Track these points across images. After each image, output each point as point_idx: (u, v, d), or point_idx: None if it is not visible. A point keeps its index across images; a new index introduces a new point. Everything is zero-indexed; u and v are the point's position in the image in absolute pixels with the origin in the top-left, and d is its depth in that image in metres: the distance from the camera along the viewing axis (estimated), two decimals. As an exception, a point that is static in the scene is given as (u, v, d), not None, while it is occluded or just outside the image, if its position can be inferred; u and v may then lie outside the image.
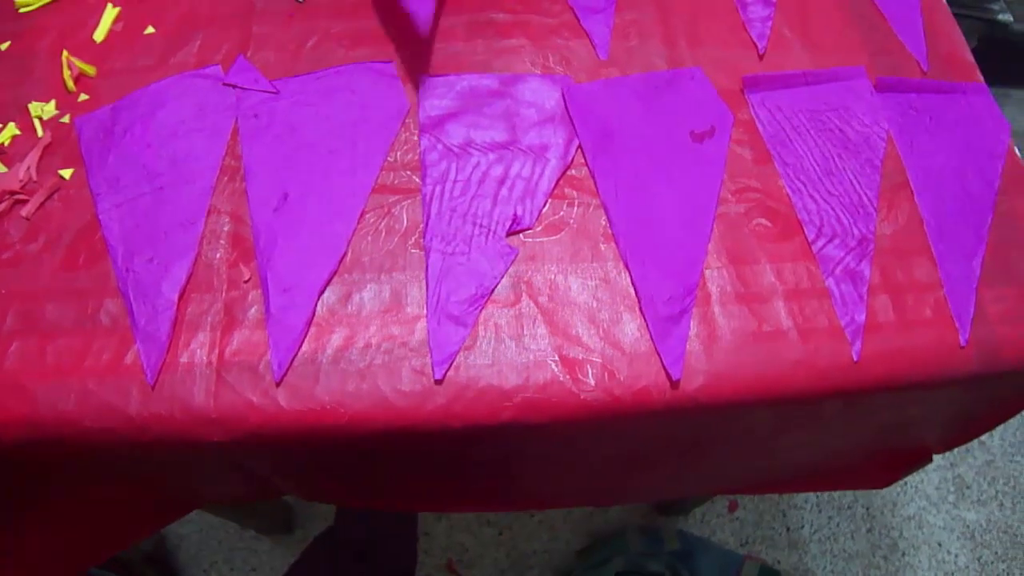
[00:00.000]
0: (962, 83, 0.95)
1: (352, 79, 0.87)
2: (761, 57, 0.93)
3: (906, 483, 1.84)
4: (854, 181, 0.85)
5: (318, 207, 0.79)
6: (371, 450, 0.77)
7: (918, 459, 1.04)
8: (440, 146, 0.83)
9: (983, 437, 1.56)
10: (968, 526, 1.87)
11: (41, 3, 0.94)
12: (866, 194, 0.84)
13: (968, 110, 0.93)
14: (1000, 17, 1.86)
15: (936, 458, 1.05)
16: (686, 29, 0.94)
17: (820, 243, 0.81)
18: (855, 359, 0.75)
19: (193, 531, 1.78)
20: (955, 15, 1.03)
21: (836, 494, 1.86)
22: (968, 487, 1.89)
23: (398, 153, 0.83)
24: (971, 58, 0.98)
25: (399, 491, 0.95)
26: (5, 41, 0.91)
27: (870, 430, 0.92)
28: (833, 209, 0.83)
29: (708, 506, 1.84)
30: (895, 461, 1.06)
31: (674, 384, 0.72)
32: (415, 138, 0.84)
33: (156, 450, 0.73)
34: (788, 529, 1.83)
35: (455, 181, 0.81)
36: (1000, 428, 1.87)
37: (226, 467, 0.83)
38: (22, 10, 0.94)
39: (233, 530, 1.76)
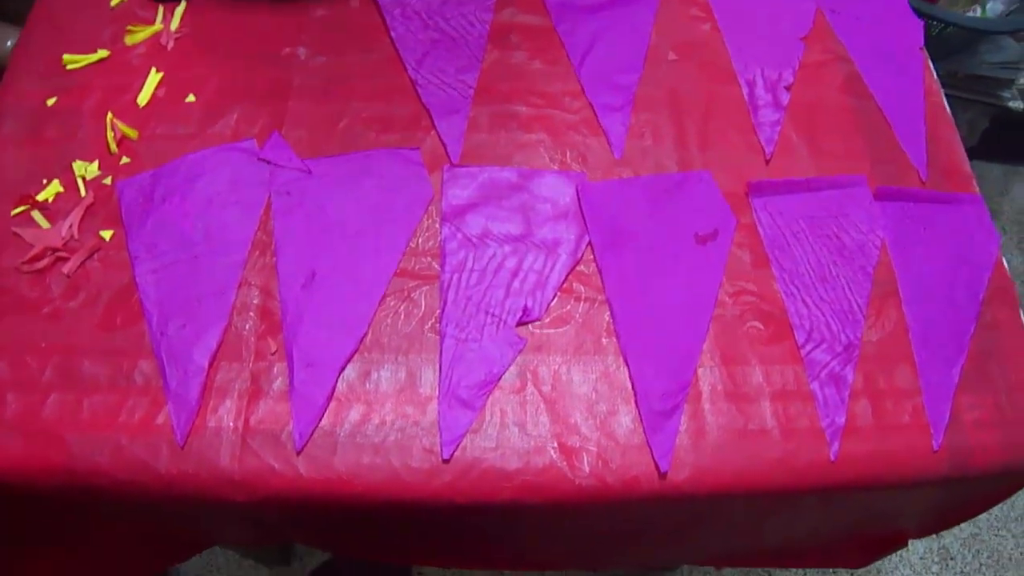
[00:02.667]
0: (958, 193, 1.06)
1: (380, 164, 0.98)
2: (768, 161, 1.04)
3: (891, 553, 1.94)
4: (846, 288, 0.96)
5: (343, 287, 0.90)
6: (380, 516, 0.88)
7: (894, 543, 1.14)
8: (460, 235, 0.94)
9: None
10: (952, 597, 1.97)
11: (87, 62, 1.05)
12: (857, 301, 0.95)
13: (961, 220, 1.04)
14: (1011, 104, 1.96)
15: (922, 528, 1.16)
16: (698, 130, 1.05)
17: (808, 347, 0.92)
18: (832, 459, 0.86)
19: (194, 557, 1.84)
20: (968, 100, 1.13)
21: (823, 560, 1.95)
22: (952, 559, 1.97)
23: (420, 239, 0.94)
24: (968, 169, 1.09)
25: (402, 549, 1.06)
26: (52, 96, 1.02)
27: (846, 519, 1.02)
28: (824, 315, 0.94)
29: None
30: (871, 544, 1.15)
31: (662, 475, 0.83)
32: (436, 225, 0.95)
33: (182, 504, 0.84)
34: (774, 588, 1.92)
35: (472, 270, 0.92)
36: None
37: (244, 520, 0.93)
38: (69, 67, 1.04)
39: (233, 558, 1.83)
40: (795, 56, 1.14)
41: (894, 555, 1.94)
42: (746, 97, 1.09)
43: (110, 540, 1.01)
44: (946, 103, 1.15)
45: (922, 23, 1.22)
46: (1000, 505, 1.92)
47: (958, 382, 0.93)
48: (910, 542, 1.15)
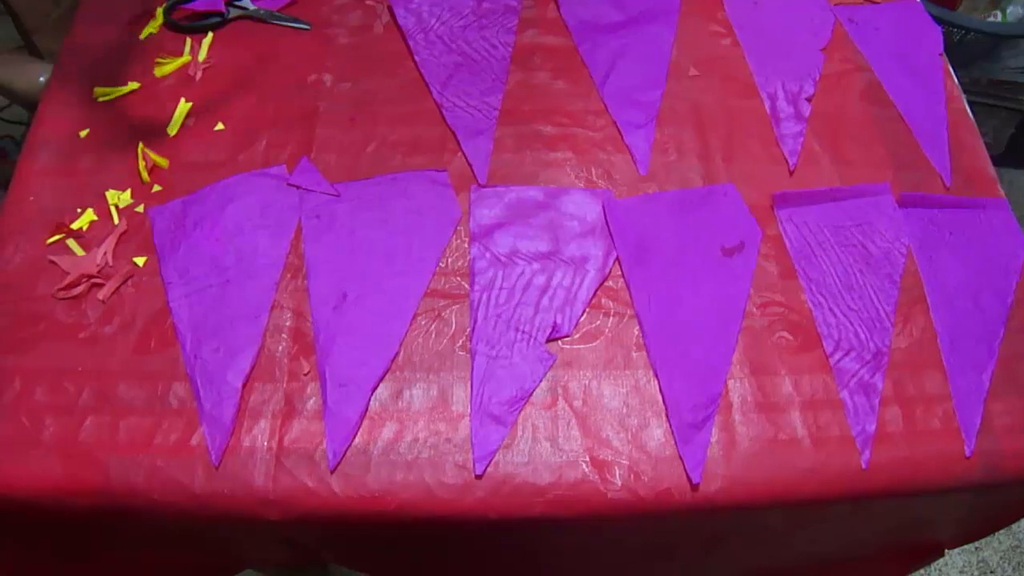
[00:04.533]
0: (982, 198, 1.05)
1: (408, 186, 0.99)
2: (791, 172, 1.04)
3: (931, 566, 1.91)
4: (873, 296, 0.95)
5: (374, 308, 0.91)
6: (413, 533, 0.88)
7: (929, 553, 1.14)
8: (488, 254, 0.95)
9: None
10: (992, 611, 1.94)
11: (118, 94, 1.07)
12: (884, 309, 0.95)
13: (987, 225, 1.03)
14: (1035, 108, 1.96)
15: (961, 541, 1.16)
16: (722, 144, 1.06)
17: (837, 356, 0.92)
18: (863, 467, 0.85)
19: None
20: (992, 106, 1.12)
21: (858, 572, 1.93)
22: (992, 572, 1.94)
23: (449, 259, 0.95)
24: (993, 173, 1.09)
25: (436, 567, 1.06)
26: (85, 128, 1.03)
27: (880, 528, 1.01)
28: (851, 323, 0.94)
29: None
30: (906, 555, 1.15)
31: (694, 487, 0.83)
32: (465, 245, 0.96)
33: (217, 524, 0.85)
34: (806, 604, 1.90)
35: (501, 288, 0.93)
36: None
37: (277, 540, 0.93)
38: (101, 99, 1.06)
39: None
40: (815, 67, 1.14)
41: (933, 569, 1.93)
42: (768, 110, 1.09)
43: (144, 563, 1.02)
44: (968, 108, 1.14)
45: (940, 30, 1.22)
46: (1040, 516, 1.88)
47: (988, 387, 0.92)
48: (948, 556, 1.15)
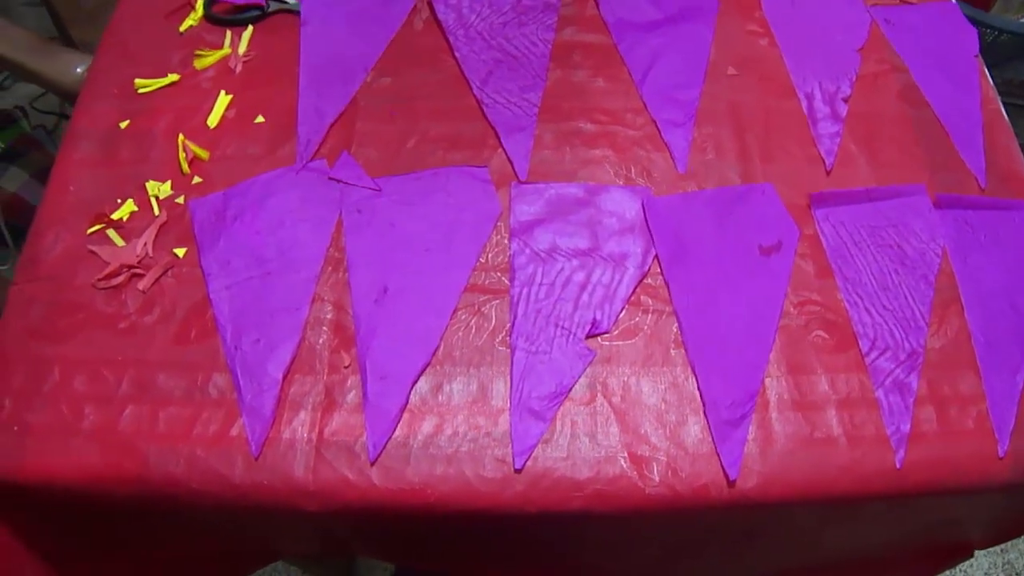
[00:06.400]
0: (1017, 200, 1.05)
1: (448, 181, 1.00)
2: (828, 172, 1.04)
3: (956, 568, 1.91)
4: (908, 296, 0.96)
5: (415, 302, 0.92)
6: (452, 526, 0.89)
7: (959, 553, 1.14)
8: (528, 250, 0.95)
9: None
10: (1017, 614, 1.94)
11: (158, 85, 1.07)
12: (919, 309, 0.95)
13: (1022, 226, 1.03)
14: (1078, 113, 1.95)
15: (986, 544, 1.16)
16: (759, 144, 1.06)
17: (873, 356, 0.92)
18: (898, 466, 0.86)
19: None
20: None
21: (886, 574, 1.94)
22: (1019, 574, 1.95)
23: (489, 255, 0.96)
24: (1029, 174, 1.09)
25: (470, 561, 1.06)
26: (125, 120, 1.04)
27: (912, 528, 1.02)
28: (887, 323, 0.94)
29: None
30: (936, 555, 1.15)
31: (731, 483, 0.84)
32: (505, 241, 0.96)
33: (255, 515, 0.85)
34: (831, 605, 1.90)
35: (541, 284, 0.93)
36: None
37: (314, 531, 0.94)
38: (141, 91, 1.07)
39: (295, 573, 1.87)
40: (852, 68, 1.15)
41: (959, 571, 1.93)
42: (805, 110, 1.09)
43: (179, 550, 1.04)
44: (1003, 110, 1.15)
45: (976, 31, 1.22)
46: (1066, 519, 1.88)
47: (1022, 388, 0.92)
48: (975, 557, 1.14)
